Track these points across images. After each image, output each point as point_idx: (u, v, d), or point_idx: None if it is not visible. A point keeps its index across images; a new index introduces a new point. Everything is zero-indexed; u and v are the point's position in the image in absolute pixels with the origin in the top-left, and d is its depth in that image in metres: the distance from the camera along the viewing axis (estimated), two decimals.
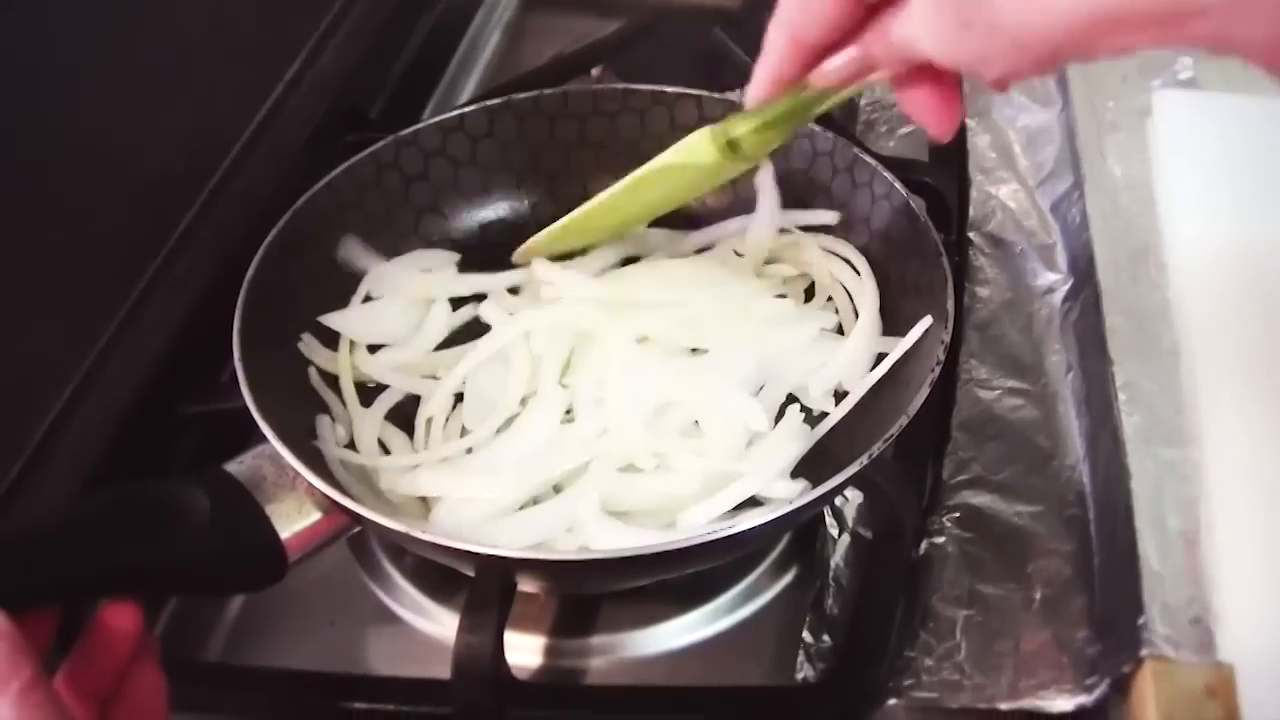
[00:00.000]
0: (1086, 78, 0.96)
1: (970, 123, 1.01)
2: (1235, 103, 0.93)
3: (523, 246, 0.84)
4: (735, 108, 0.86)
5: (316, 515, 0.65)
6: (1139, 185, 0.87)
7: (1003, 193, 0.95)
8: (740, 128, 0.67)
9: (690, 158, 0.71)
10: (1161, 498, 0.69)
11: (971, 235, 0.92)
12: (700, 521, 0.68)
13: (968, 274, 0.89)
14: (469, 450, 0.74)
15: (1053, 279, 0.88)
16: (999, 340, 0.85)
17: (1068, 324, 0.85)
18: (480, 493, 0.69)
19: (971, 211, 0.93)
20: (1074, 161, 0.91)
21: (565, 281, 0.82)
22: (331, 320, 0.80)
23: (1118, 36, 0.46)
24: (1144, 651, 0.62)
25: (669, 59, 1.07)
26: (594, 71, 1.08)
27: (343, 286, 0.83)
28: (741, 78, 0.94)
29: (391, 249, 0.86)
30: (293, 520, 0.65)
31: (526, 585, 0.70)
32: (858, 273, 0.81)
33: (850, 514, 0.76)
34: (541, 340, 0.78)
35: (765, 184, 0.86)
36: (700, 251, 0.88)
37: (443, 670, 0.64)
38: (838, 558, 0.74)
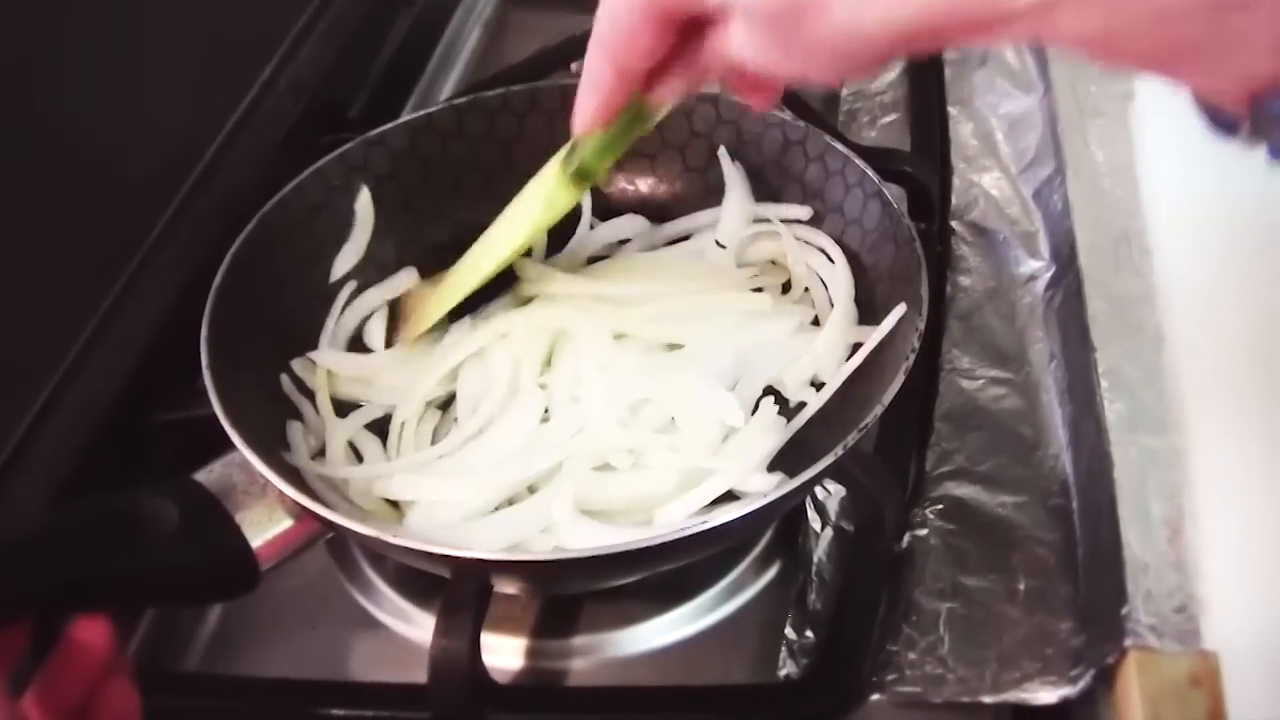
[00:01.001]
0: (1068, 63, 0.95)
1: (952, 111, 1.00)
2: None
3: (407, 331, 0.81)
4: (705, 100, 0.86)
5: (288, 522, 0.64)
6: (1122, 170, 0.86)
7: (985, 180, 0.94)
8: (585, 154, 0.67)
9: (553, 207, 0.71)
10: (1145, 486, 0.68)
11: (954, 224, 0.91)
12: (676, 518, 0.67)
13: (950, 263, 0.88)
14: (441, 456, 0.73)
15: (1035, 266, 0.87)
16: (982, 329, 0.84)
17: (1050, 312, 0.84)
18: (451, 495, 0.68)
19: (954, 200, 0.93)
20: (1056, 147, 0.91)
21: (543, 278, 0.82)
22: (318, 357, 0.80)
23: (938, 41, 0.48)
24: (1128, 641, 0.61)
25: None
26: (574, 66, 1.07)
27: (315, 290, 0.83)
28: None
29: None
30: (264, 528, 0.64)
31: (504, 587, 0.69)
32: (832, 262, 0.80)
33: (833, 508, 0.75)
34: (519, 340, 0.77)
35: (731, 175, 0.85)
36: (676, 242, 0.87)
37: (425, 675, 0.63)
38: (820, 552, 0.73)
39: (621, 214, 0.89)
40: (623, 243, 0.88)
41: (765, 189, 0.85)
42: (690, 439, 0.71)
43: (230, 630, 0.77)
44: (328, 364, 0.79)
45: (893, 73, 1.07)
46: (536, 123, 0.88)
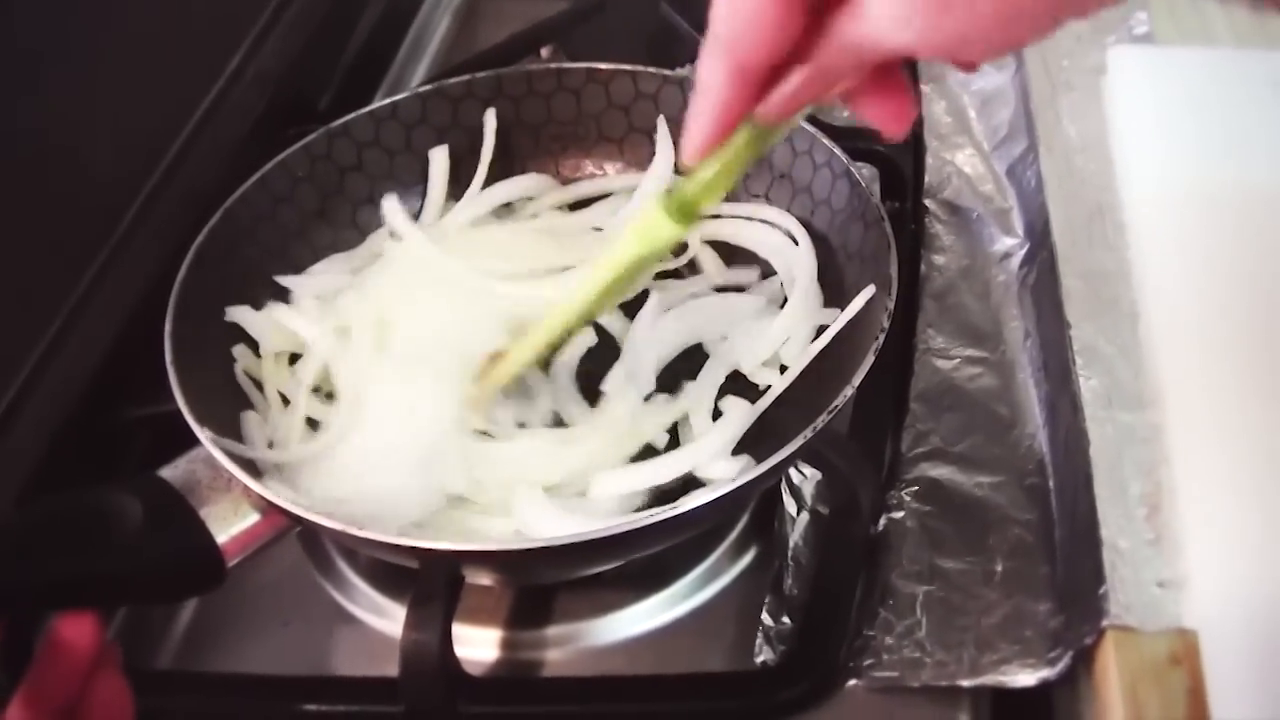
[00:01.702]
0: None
1: (925, 89, 0.99)
2: (1191, 56, 0.92)
3: (485, 385, 0.72)
4: (672, 81, 0.85)
5: (254, 517, 0.64)
6: (1095, 145, 0.85)
7: (959, 158, 0.93)
8: (690, 189, 0.58)
9: (652, 244, 0.62)
10: (1122, 463, 0.68)
11: (927, 203, 0.90)
12: (612, 490, 0.67)
13: (924, 242, 0.87)
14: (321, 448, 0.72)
15: (1010, 244, 0.86)
16: (956, 308, 0.84)
17: (1025, 289, 0.83)
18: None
19: (927, 178, 0.92)
20: (1029, 124, 0.90)
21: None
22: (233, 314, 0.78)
23: None
24: (1105, 622, 0.61)
25: (618, 37, 1.05)
26: (543, 52, 1.06)
27: (279, 284, 0.81)
28: (690, 53, 0.93)
29: (329, 243, 0.84)
30: (229, 523, 0.63)
31: (475, 578, 0.68)
32: (796, 244, 0.79)
33: (809, 492, 0.74)
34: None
35: (663, 142, 0.85)
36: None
37: (397, 669, 0.63)
38: (797, 536, 0.72)
39: None
40: None
41: None
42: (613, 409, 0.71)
43: (203, 627, 0.76)
44: (239, 320, 0.78)
45: None
46: (503, 108, 0.87)
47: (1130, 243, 0.79)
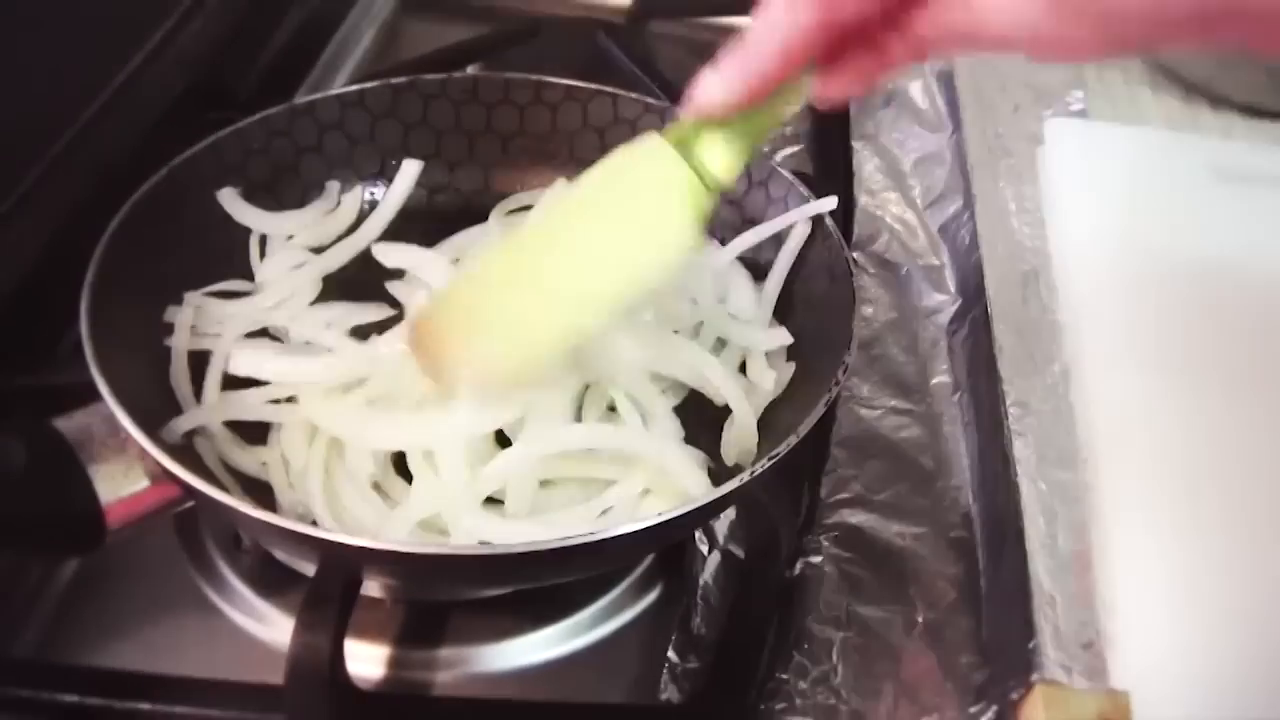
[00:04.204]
0: (980, 104, 0.94)
1: (857, 145, 0.98)
2: (1124, 133, 0.93)
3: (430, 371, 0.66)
4: (653, 110, 0.82)
5: (144, 483, 0.61)
6: (1030, 209, 0.85)
7: (889, 214, 0.92)
8: (710, 137, 0.53)
9: (654, 169, 0.55)
10: (1053, 519, 0.66)
11: (856, 255, 0.89)
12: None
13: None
14: None
15: (939, 300, 0.85)
16: (883, 359, 0.82)
17: (955, 344, 0.82)
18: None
19: (857, 231, 0.90)
20: (965, 184, 0.89)
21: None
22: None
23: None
24: (1035, 676, 0.58)
25: (551, 63, 1.02)
26: (469, 70, 1.03)
27: (212, 251, 0.77)
28: (625, 84, 0.91)
29: None
30: (118, 485, 0.60)
31: (373, 581, 0.64)
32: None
33: (721, 531, 0.71)
34: None
35: None
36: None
37: (275, 678, 0.58)
38: (707, 575, 0.69)
39: None
40: None
41: None
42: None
43: (68, 617, 0.70)
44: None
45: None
46: (474, 113, 0.85)
47: (1062, 304, 0.79)
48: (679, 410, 0.73)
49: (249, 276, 0.78)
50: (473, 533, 0.63)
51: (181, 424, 0.67)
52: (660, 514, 0.58)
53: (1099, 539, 0.65)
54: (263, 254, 0.79)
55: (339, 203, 0.83)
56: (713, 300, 0.77)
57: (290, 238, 0.80)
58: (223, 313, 0.74)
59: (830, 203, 0.76)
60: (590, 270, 0.60)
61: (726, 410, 0.72)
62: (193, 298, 0.74)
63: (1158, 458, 0.69)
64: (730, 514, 0.71)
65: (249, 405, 0.69)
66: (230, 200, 0.78)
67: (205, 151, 0.77)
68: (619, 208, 0.59)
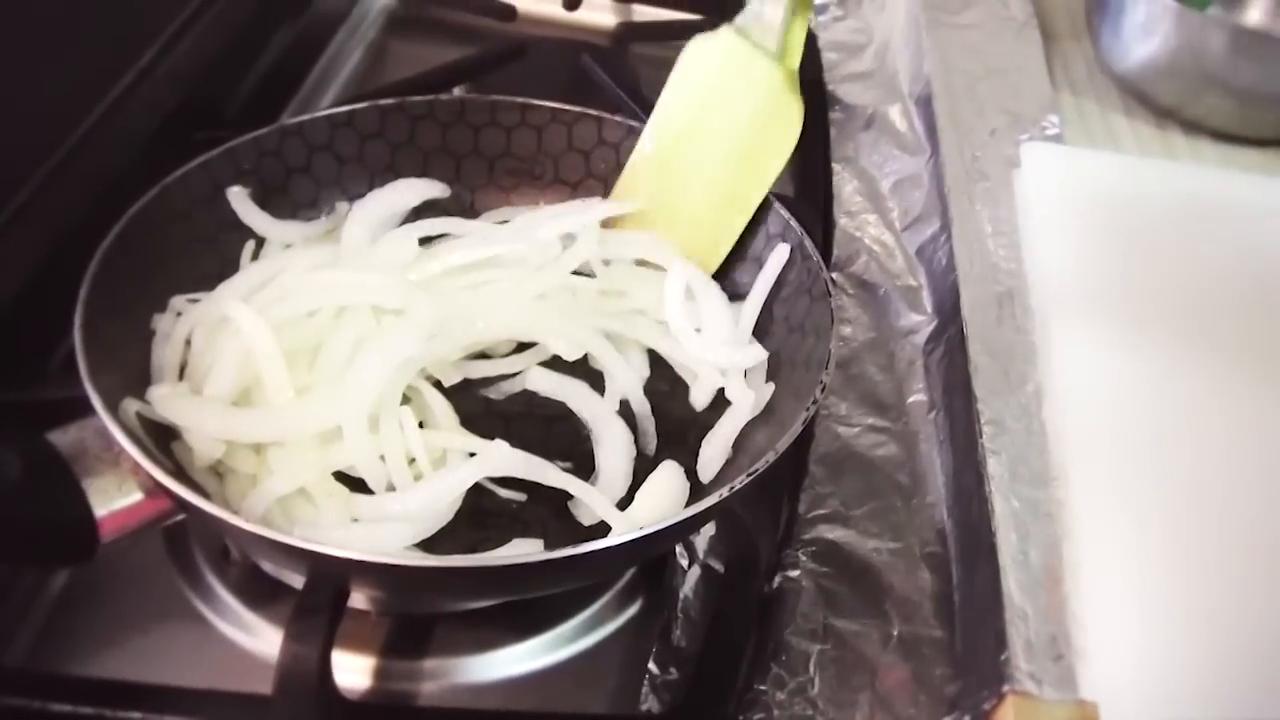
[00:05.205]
0: (957, 129, 0.96)
1: (836, 167, 1.00)
2: (1099, 158, 0.95)
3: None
4: (635, 132, 0.84)
5: (138, 495, 0.62)
6: (1006, 231, 0.86)
7: (868, 236, 0.94)
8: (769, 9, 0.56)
9: (747, 71, 0.59)
10: (1025, 535, 0.67)
11: (835, 275, 0.90)
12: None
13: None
14: None
15: (917, 320, 0.87)
16: (860, 378, 0.84)
17: (931, 364, 0.83)
18: None
19: (836, 252, 0.92)
20: (942, 206, 0.90)
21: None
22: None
23: None
24: (1006, 687, 0.60)
25: (536, 84, 1.03)
26: (455, 91, 1.04)
27: (204, 268, 0.78)
28: (609, 104, 0.92)
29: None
30: (111, 498, 0.61)
31: (360, 593, 0.65)
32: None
33: (701, 545, 0.72)
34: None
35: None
36: None
37: (263, 688, 0.59)
38: (687, 589, 0.70)
39: None
40: None
41: None
42: None
43: (58, 628, 0.71)
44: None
45: None
46: (461, 134, 0.86)
47: (1036, 326, 0.80)
48: (659, 424, 0.75)
49: None
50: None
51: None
52: (642, 528, 0.60)
53: (1070, 554, 0.66)
54: None
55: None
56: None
57: (288, 246, 0.81)
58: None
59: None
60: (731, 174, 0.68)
61: (706, 428, 0.73)
62: (178, 302, 0.74)
63: (1128, 476, 0.70)
64: (710, 529, 0.72)
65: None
66: (239, 200, 0.79)
67: (197, 170, 0.78)
68: (733, 117, 0.64)
